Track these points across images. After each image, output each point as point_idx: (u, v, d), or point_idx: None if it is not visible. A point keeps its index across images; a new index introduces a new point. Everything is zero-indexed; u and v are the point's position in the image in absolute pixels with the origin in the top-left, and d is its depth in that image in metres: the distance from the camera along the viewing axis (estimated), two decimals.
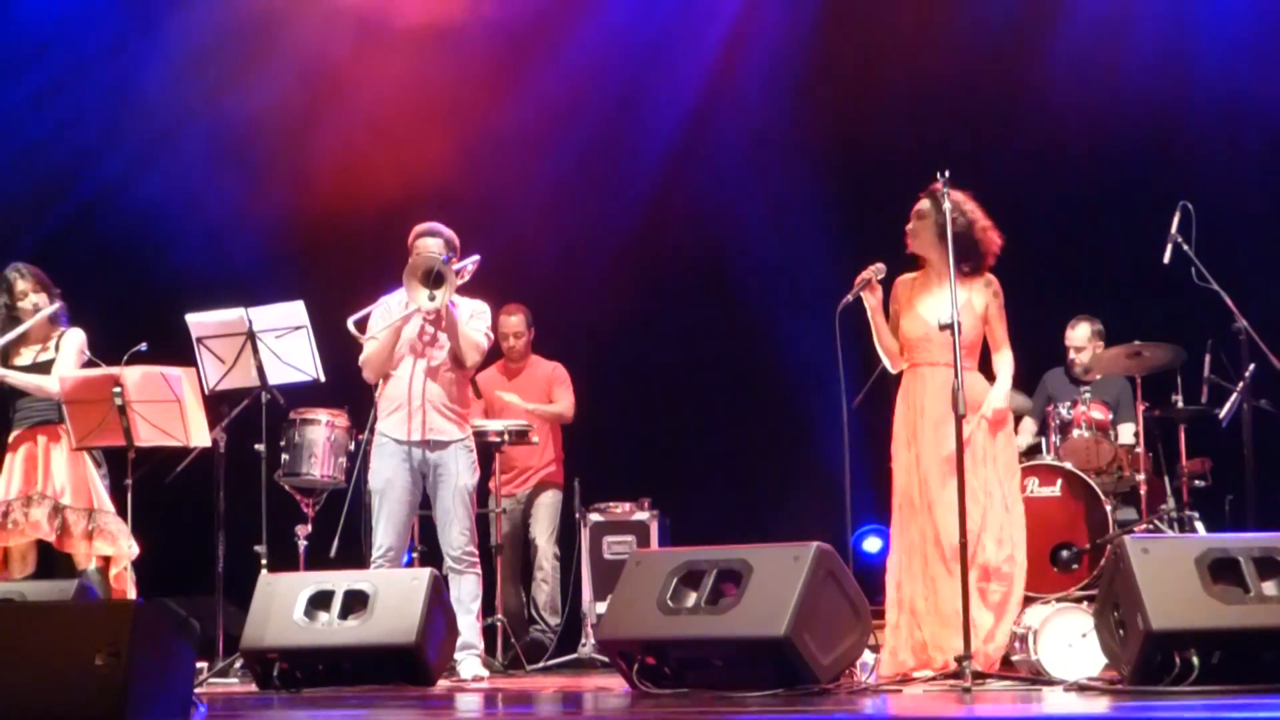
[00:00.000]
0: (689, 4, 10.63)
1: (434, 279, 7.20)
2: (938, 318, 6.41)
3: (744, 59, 10.56)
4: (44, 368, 7.70)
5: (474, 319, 7.49)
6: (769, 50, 10.53)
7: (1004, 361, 6.67)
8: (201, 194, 10.33)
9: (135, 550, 7.67)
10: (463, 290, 7.50)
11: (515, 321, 9.24)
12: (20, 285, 7.77)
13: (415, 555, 8.27)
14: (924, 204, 6.63)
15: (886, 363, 6.80)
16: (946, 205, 6.38)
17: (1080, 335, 9.02)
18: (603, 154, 10.54)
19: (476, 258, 7.52)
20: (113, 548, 7.59)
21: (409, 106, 10.34)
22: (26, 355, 7.79)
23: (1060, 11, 10.12)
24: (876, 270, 6.63)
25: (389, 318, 7.43)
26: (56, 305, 7.80)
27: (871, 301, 6.65)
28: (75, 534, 7.56)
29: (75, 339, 7.82)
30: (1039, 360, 9.26)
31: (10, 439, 7.76)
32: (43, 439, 7.64)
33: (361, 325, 7.39)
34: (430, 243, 7.43)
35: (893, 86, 10.27)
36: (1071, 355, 9.05)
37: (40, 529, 7.54)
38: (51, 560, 7.74)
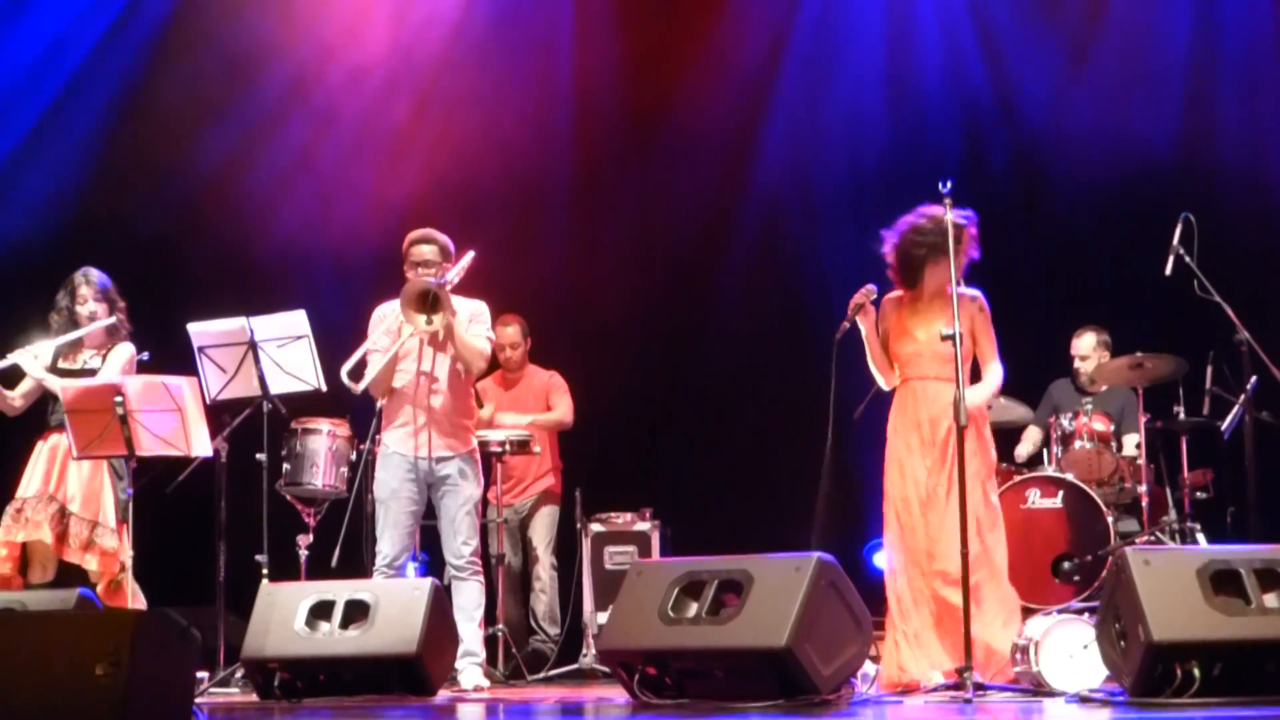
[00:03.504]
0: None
1: (430, 302, 7.17)
2: (930, 332, 6.49)
3: (734, 58, 10.58)
4: (87, 374, 7.71)
5: (473, 322, 7.47)
6: (760, 57, 10.56)
7: (991, 372, 6.71)
8: (204, 200, 10.34)
9: (126, 562, 7.63)
10: (462, 291, 7.47)
11: (511, 332, 9.23)
12: (83, 291, 7.82)
13: (417, 561, 8.26)
14: (904, 233, 6.69)
15: (880, 381, 6.83)
16: (949, 215, 6.39)
17: (1085, 345, 9.02)
18: (605, 160, 10.54)
19: (471, 254, 7.47)
20: (101, 564, 7.57)
21: (411, 116, 10.35)
22: (78, 360, 7.84)
23: (1064, 24, 10.12)
24: (868, 293, 6.67)
25: (384, 324, 7.41)
26: (113, 319, 7.83)
27: (866, 324, 6.71)
28: (74, 545, 7.56)
29: (122, 354, 7.82)
30: (1045, 370, 9.27)
31: (42, 435, 7.79)
32: (67, 444, 7.64)
33: (354, 373, 7.32)
34: (425, 249, 7.41)
35: (897, 96, 10.28)
36: (1077, 365, 9.05)
37: (41, 529, 7.54)
38: (71, 571, 7.72)
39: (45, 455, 7.73)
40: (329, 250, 10.10)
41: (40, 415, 7.86)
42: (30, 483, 7.67)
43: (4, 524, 7.62)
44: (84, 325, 7.79)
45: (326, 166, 10.33)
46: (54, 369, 7.77)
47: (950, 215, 6.39)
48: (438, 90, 10.37)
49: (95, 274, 7.89)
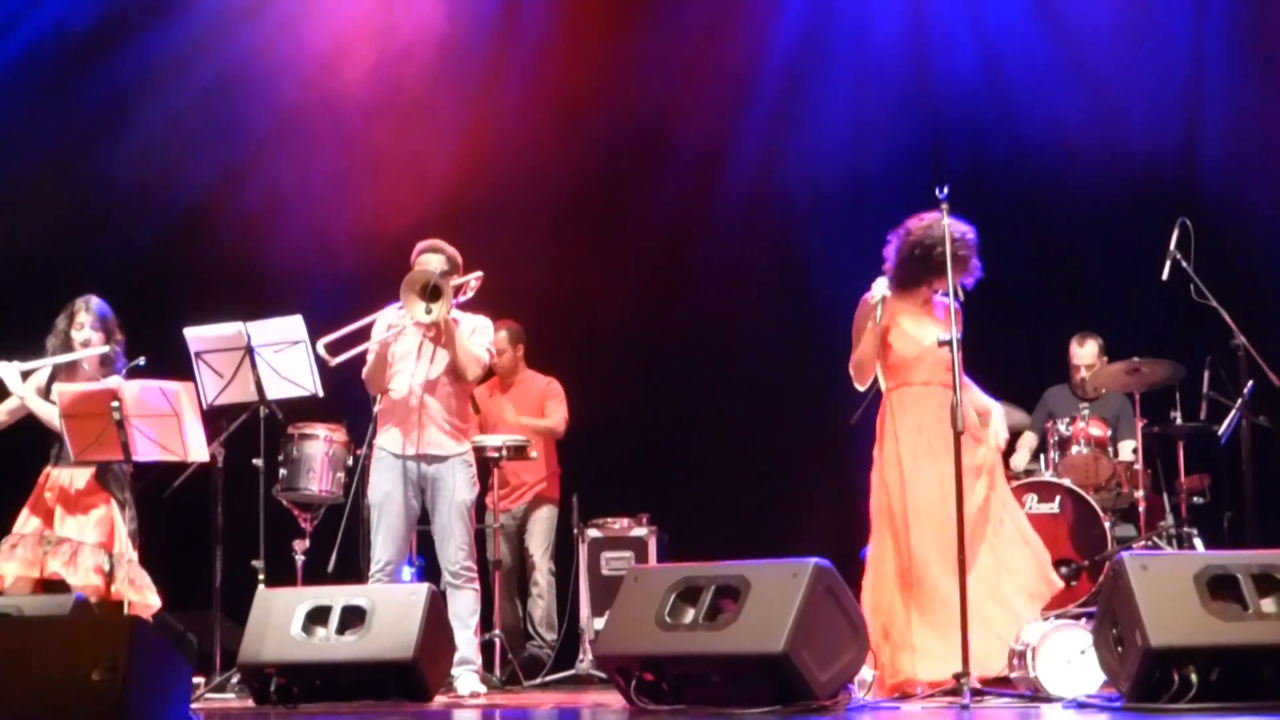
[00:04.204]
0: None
1: (431, 293, 7.19)
2: (930, 339, 6.49)
3: (729, 64, 10.57)
4: None
5: (475, 335, 7.48)
6: (755, 63, 10.57)
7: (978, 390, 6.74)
8: (199, 210, 10.34)
9: (156, 603, 7.62)
10: (465, 305, 7.50)
11: (501, 337, 9.22)
12: (81, 317, 7.72)
13: (414, 566, 8.26)
14: (906, 241, 6.70)
15: (857, 377, 6.78)
16: (945, 222, 6.38)
17: (1089, 352, 9.00)
18: (600, 166, 10.54)
19: (479, 274, 7.52)
20: (134, 593, 7.54)
21: (406, 123, 10.35)
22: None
23: (1061, 32, 10.13)
24: (884, 287, 6.67)
25: (387, 319, 7.43)
26: (107, 348, 7.75)
27: (870, 322, 6.69)
28: (86, 566, 7.48)
29: (109, 385, 7.75)
30: (1040, 377, 9.27)
31: (44, 473, 7.72)
32: (69, 479, 7.61)
33: (332, 347, 7.33)
34: (432, 259, 7.43)
35: (895, 101, 10.28)
36: (1082, 373, 9.02)
37: (44, 566, 7.47)
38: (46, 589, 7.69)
39: (47, 492, 7.65)
40: (327, 259, 10.09)
41: (43, 449, 7.80)
42: (29, 521, 7.60)
43: None
44: (76, 351, 7.73)
45: (324, 177, 10.31)
46: (47, 395, 7.72)
47: (947, 221, 6.38)
48: (431, 102, 10.35)
49: (96, 302, 7.81)
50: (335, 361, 7.34)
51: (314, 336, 7.63)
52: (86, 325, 7.73)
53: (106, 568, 7.49)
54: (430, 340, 7.39)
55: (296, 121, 10.35)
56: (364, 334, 7.47)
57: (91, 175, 10.23)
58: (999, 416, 6.72)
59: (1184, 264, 7.75)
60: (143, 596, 7.55)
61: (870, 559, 6.72)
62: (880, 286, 6.66)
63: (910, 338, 6.68)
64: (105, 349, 7.74)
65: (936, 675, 6.33)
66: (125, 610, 7.48)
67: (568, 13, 10.56)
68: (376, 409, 7.54)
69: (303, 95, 10.31)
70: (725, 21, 10.56)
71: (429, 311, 7.18)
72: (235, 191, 10.30)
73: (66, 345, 7.73)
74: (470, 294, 7.51)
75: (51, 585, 7.54)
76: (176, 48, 10.26)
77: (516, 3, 10.61)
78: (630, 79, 10.51)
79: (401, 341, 7.42)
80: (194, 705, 5.67)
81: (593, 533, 9.20)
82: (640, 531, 9.20)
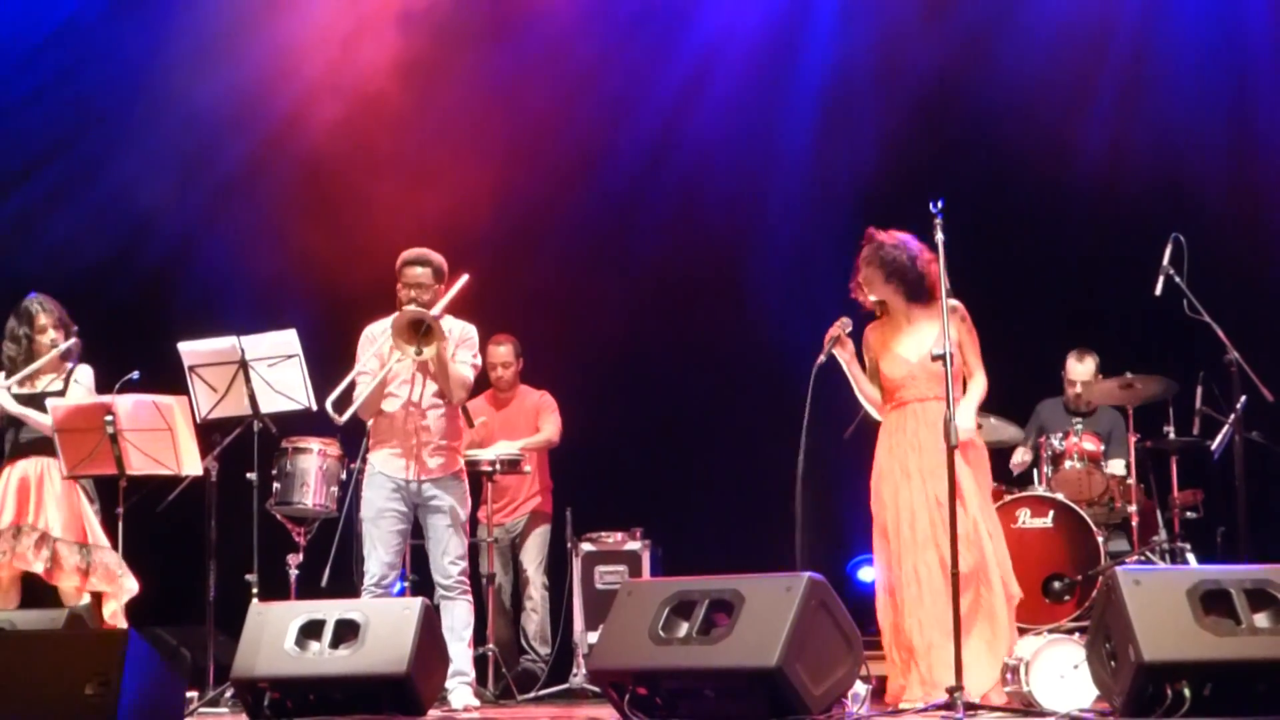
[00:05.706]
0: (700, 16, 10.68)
1: (422, 332, 7.14)
2: (920, 352, 6.49)
3: (723, 75, 10.58)
4: (53, 396, 7.67)
5: (461, 347, 7.41)
6: (750, 75, 10.58)
7: (974, 384, 6.73)
8: (196, 219, 10.35)
9: (135, 587, 7.63)
10: (454, 312, 7.44)
11: (504, 352, 9.23)
12: (42, 319, 7.79)
13: (407, 585, 8.25)
14: (865, 252, 6.72)
15: (871, 411, 6.86)
16: (940, 236, 6.38)
17: (1087, 370, 8.99)
18: (596, 182, 10.55)
19: (465, 278, 7.43)
20: (110, 585, 7.55)
21: (401, 134, 10.36)
22: (37, 385, 7.79)
23: (1058, 45, 10.14)
24: (843, 325, 6.71)
25: (374, 346, 7.38)
26: (71, 342, 7.82)
27: (844, 355, 6.75)
28: (66, 568, 7.52)
29: (85, 377, 7.82)
30: (1033, 391, 9.26)
31: (4, 466, 7.74)
32: (37, 470, 7.62)
33: (339, 404, 7.26)
34: (418, 271, 7.35)
35: (897, 121, 10.29)
36: (1077, 389, 9.00)
37: (27, 560, 7.50)
38: (38, 595, 7.70)
39: (16, 487, 7.67)
40: (319, 270, 10.09)
41: None
42: (2, 515, 7.61)
43: None
44: (45, 353, 7.76)
45: (316, 200, 10.32)
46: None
47: (940, 234, 6.38)
48: (426, 113, 10.36)
49: (48, 300, 7.87)
50: (343, 419, 7.25)
51: (307, 353, 7.62)
52: (50, 327, 7.81)
53: (84, 565, 7.52)
54: (420, 371, 7.34)
55: (291, 150, 10.35)
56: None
57: (90, 197, 10.24)
58: (960, 412, 6.57)
59: (1177, 279, 7.76)
60: (119, 585, 7.56)
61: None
62: (835, 329, 6.67)
63: (899, 358, 6.69)
64: (69, 344, 7.81)
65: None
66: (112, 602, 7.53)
67: (550, 31, 10.57)
68: (370, 423, 7.53)
69: (293, 128, 10.32)
70: (721, 32, 10.57)
71: (420, 352, 7.14)
72: (229, 204, 10.31)
73: (30, 349, 7.75)
74: (455, 298, 7.44)
75: (31, 587, 7.58)
76: (173, 80, 10.28)
77: (498, 26, 10.63)
78: (624, 91, 10.52)
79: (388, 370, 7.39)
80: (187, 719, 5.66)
81: (586, 547, 9.20)
82: (634, 545, 9.19)
